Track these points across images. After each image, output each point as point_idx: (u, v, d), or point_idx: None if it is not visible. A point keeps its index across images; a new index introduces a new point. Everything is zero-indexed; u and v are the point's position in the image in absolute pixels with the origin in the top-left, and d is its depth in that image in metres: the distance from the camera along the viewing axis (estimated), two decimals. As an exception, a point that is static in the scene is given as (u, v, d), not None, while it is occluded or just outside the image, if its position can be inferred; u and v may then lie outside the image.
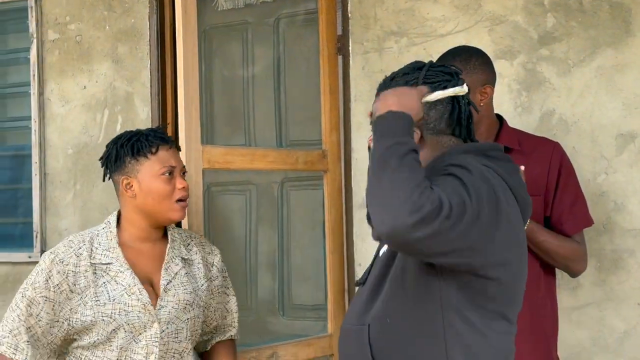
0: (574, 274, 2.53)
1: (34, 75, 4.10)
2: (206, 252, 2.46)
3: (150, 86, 3.87)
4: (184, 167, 2.39)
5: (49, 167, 4.11)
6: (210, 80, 3.94)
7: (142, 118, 3.92)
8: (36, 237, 4.12)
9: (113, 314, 2.21)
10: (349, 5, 3.45)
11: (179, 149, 2.46)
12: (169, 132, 3.87)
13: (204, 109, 3.86)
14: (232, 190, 3.96)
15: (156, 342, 2.23)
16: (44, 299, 2.21)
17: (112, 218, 2.35)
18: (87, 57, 4.02)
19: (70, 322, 2.23)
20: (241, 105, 3.89)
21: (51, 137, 4.10)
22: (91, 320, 2.21)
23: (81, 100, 4.04)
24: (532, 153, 2.47)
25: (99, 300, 2.21)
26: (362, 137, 3.42)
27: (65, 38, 4.07)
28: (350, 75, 3.44)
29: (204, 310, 2.39)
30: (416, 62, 1.89)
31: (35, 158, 4.12)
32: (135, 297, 2.23)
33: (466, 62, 2.40)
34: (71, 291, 2.22)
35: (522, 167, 2.37)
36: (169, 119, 3.87)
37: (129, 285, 2.24)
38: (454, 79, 1.82)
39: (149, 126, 3.87)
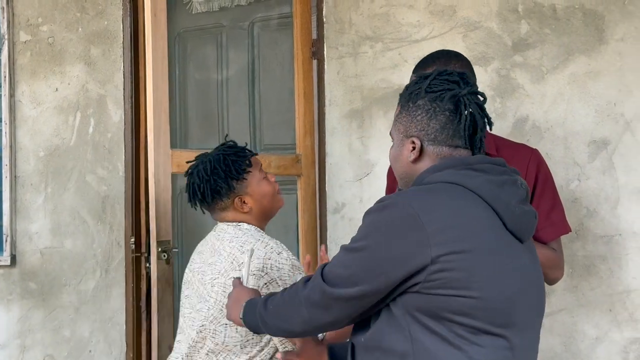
0: (550, 281, 2.52)
1: (5, 77, 4.05)
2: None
3: (124, 89, 3.84)
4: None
5: (19, 169, 4.05)
6: (184, 83, 3.91)
7: (115, 121, 3.88)
8: (6, 240, 4.06)
9: None
10: (324, 9, 3.43)
11: None
12: (142, 134, 3.84)
13: (177, 113, 3.87)
14: None
15: None
16: None
17: (254, 229, 2.38)
18: (59, 59, 3.98)
19: None
20: (215, 109, 3.86)
21: (22, 140, 4.05)
22: None
23: (53, 102, 3.99)
24: (510, 159, 2.44)
25: None
26: (336, 142, 3.41)
27: (37, 40, 4.02)
28: (325, 79, 3.43)
29: None
30: (424, 73, 1.82)
31: (5, 160, 4.06)
32: None
33: (445, 67, 2.38)
34: None
35: None
36: (142, 123, 3.84)
37: None
38: (459, 87, 1.74)
39: (122, 129, 3.84)
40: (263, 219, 2.43)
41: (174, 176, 2.99)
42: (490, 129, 1.80)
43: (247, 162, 2.39)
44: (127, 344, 3.86)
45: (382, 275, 1.61)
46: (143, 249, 3.84)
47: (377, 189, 3.30)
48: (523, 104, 3.03)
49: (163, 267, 2.86)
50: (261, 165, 2.46)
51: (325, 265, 1.72)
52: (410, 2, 3.26)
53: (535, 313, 1.74)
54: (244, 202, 2.37)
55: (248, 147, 2.49)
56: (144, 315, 3.82)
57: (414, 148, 1.74)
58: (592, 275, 2.89)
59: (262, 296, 1.93)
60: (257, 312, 1.87)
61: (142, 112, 3.83)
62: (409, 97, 1.78)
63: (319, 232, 3.42)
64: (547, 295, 2.92)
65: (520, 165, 2.41)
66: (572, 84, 2.94)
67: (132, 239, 3.82)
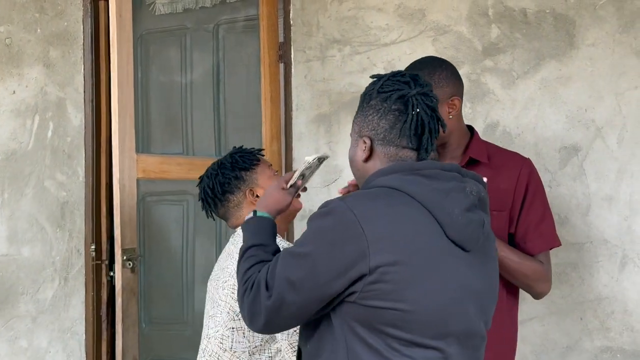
0: (536, 294, 2.48)
1: (-40, 79, 3.93)
2: None
3: (84, 92, 3.77)
4: None
5: (-25, 174, 3.93)
6: (146, 86, 3.84)
7: (75, 125, 3.79)
8: (-40, 248, 3.93)
9: None
10: (291, 12, 3.38)
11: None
12: (103, 139, 3.76)
13: (139, 117, 3.78)
14: (169, 200, 3.86)
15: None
16: None
17: None
18: (16, 61, 3.88)
19: None
20: (179, 113, 3.79)
21: (-22, 144, 3.93)
22: None
23: (10, 105, 3.89)
24: (501, 168, 2.41)
25: None
26: (303, 147, 3.35)
27: (-6, 40, 3.91)
28: (292, 83, 3.38)
29: None
30: (379, 74, 1.83)
31: (-40, 165, 3.94)
32: None
33: (430, 76, 2.33)
34: None
35: (485, 179, 2.32)
36: (103, 126, 3.77)
37: None
38: (409, 87, 1.75)
39: (82, 133, 3.76)
40: (280, 220, 2.23)
41: (138, 182, 2.93)
42: (444, 131, 1.80)
43: (255, 156, 2.38)
44: (86, 354, 3.76)
45: (325, 283, 1.61)
46: (104, 257, 3.76)
47: (345, 195, 3.24)
48: (493, 109, 2.99)
49: (128, 276, 2.78)
50: (271, 165, 2.43)
51: (271, 266, 1.71)
52: (379, 5, 3.22)
53: (477, 322, 1.72)
54: (257, 195, 2.32)
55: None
56: (104, 325, 3.74)
57: (365, 147, 1.76)
58: (563, 283, 2.86)
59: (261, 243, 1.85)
60: (245, 244, 1.85)
61: (103, 115, 3.76)
62: (363, 98, 1.81)
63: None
64: (520, 304, 2.88)
65: (511, 174, 2.37)
66: (543, 89, 2.92)
67: (93, 246, 3.74)
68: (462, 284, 1.67)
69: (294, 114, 3.38)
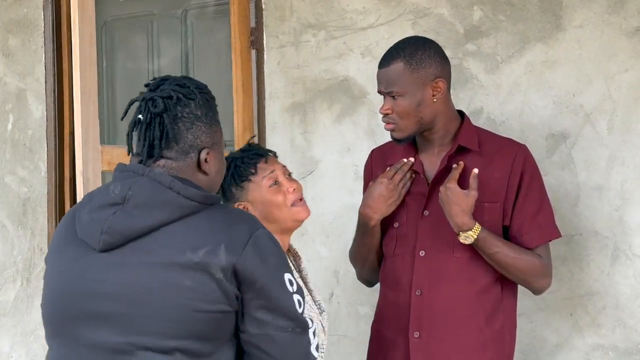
0: (536, 290, 2.38)
1: None
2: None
3: (45, 82, 3.64)
4: (284, 167, 2.27)
5: None
6: (112, 75, 3.78)
7: (37, 117, 3.68)
8: None
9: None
10: (262, -5, 3.28)
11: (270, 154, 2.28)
12: (66, 132, 3.66)
13: (105, 107, 3.73)
14: None
15: None
16: None
17: None
18: (-27, 50, 3.74)
19: None
20: None
21: None
22: None
23: (-32, 97, 3.75)
24: (494, 155, 2.30)
25: None
26: (278, 137, 3.25)
27: (-51, 29, 3.77)
28: (264, 70, 3.27)
29: None
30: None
31: None
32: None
33: (412, 56, 2.21)
34: None
35: (476, 170, 2.19)
36: (66, 118, 3.67)
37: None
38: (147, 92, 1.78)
39: (44, 125, 3.66)
40: (277, 232, 2.12)
41: (103, 175, 2.79)
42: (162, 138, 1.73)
43: (253, 169, 2.21)
44: (51, 358, 3.63)
45: None
46: (69, 256, 3.63)
47: (321, 187, 3.14)
48: (477, 95, 2.89)
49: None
50: (274, 171, 2.22)
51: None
52: (355, -13, 3.10)
53: (110, 330, 1.63)
54: (246, 209, 2.17)
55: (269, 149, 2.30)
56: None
57: None
58: (552, 277, 2.75)
59: None
60: None
61: (66, 107, 3.64)
62: None
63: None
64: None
65: (504, 162, 2.27)
66: (529, 73, 2.82)
67: (56, 245, 3.61)
68: (93, 285, 1.65)
69: (267, 102, 3.27)
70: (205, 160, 1.75)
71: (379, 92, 2.29)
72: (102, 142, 3.38)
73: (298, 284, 1.73)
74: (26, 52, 3.66)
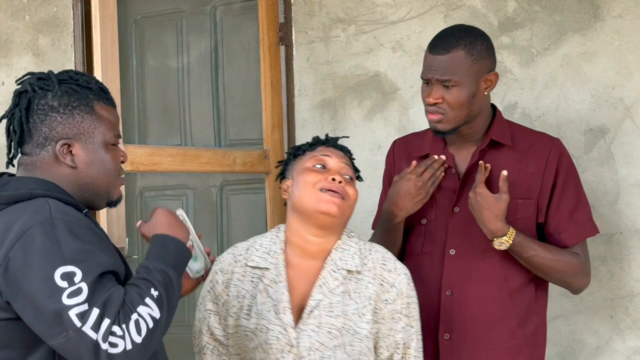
0: (574, 290, 2.31)
1: (-54, 70, 3.78)
2: (386, 269, 2.06)
3: (76, 81, 3.62)
4: (345, 167, 2.07)
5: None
6: (142, 74, 3.74)
7: (67, 116, 3.65)
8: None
9: (255, 330, 1.97)
10: (291, -10, 3.24)
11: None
12: None
13: (135, 105, 3.71)
14: (168, 195, 3.76)
15: None
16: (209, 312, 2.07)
17: (283, 227, 2.10)
18: (5, 50, 3.73)
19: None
20: (175, 102, 3.70)
21: (-34, 138, 3.80)
22: (233, 333, 2.02)
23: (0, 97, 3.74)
24: (527, 150, 2.22)
25: (248, 313, 2.01)
26: (308, 135, 3.19)
27: (-19, 29, 3.78)
28: (293, 67, 3.23)
29: (366, 338, 2.00)
30: None
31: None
32: (280, 315, 1.98)
33: (472, 46, 2.12)
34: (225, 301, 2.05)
35: (505, 172, 2.11)
36: None
37: (278, 300, 1.98)
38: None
39: None
40: (299, 218, 2.05)
41: (129, 175, 2.78)
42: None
43: (310, 147, 2.11)
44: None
45: None
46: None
47: (352, 186, 3.08)
48: (511, 90, 2.82)
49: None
50: (330, 156, 2.06)
51: None
52: (385, -20, 3.05)
53: None
54: (287, 188, 2.11)
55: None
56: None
57: None
58: (592, 277, 2.66)
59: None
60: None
61: None
62: None
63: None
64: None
65: (539, 156, 2.19)
66: (566, 66, 2.75)
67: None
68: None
69: (296, 100, 3.23)
70: (66, 152, 1.65)
71: (427, 78, 2.14)
72: (132, 141, 3.36)
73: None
74: (56, 51, 3.65)
